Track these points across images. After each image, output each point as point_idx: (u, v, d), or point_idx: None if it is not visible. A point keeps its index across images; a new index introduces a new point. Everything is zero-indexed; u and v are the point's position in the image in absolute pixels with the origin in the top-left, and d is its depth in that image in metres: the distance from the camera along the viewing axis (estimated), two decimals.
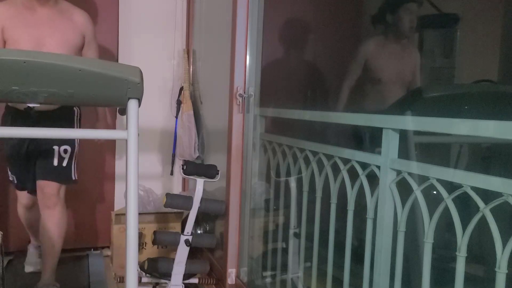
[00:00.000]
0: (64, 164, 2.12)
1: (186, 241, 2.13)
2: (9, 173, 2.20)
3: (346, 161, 1.61)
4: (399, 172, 1.37)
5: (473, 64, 2.49)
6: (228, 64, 2.23)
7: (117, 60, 2.84)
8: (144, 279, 2.20)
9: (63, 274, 2.30)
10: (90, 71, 1.20)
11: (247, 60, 2.20)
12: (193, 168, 2.20)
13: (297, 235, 1.99)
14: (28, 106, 2.01)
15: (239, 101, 2.19)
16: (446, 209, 1.18)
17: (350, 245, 1.60)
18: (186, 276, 2.17)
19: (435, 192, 1.22)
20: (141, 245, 2.51)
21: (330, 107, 2.62)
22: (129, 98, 1.29)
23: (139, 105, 1.31)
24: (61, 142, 2.11)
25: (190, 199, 2.13)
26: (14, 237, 2.63)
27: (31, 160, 2.12)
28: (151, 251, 2.50)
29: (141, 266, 2.15)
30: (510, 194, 1.01)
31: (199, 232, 2.71)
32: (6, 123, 2.11)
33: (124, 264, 1.34)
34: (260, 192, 2.27)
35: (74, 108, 2.20)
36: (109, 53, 2.78)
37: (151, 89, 2.67)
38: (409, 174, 1.32)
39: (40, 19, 2.01)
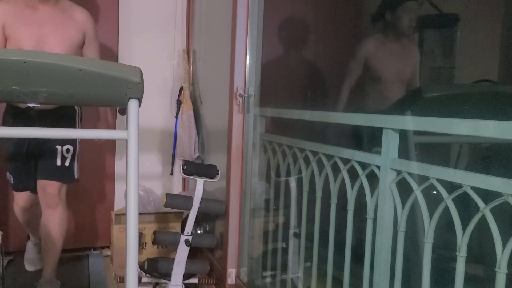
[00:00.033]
0: (67, 163, 2.13)
1: (186, 241, 2.13)
2: (7, 172, 2.17)
3: (346, 161, 1.61)
4: (399, 172, 1.37)
5: (473, 64, 2.49)
6: (228, 64, 2.23)
7: (117, 60, 2.84)
8: (144, 279, 2.20)
9: (63, 274, 2.30)
10: (90, 71, 1.20)
11: (247, 60, 2.20)
12: (193, 168, 2.20)
13: (297, 235, 1.99)
14: (28, 106, 2.01)
15: (239, 101, 2.19)
16: (446, 209, 1.18)
17: (350, 245, 1.60)
18: (186, 276, 2.17)
19: (435, 192, 1.22)
20: (141, 245, 2.51)
21: (331, 107, 2.62)
22: (129, 98, 1.29)
23: (139, 105, 1.31)
24: (63, 141, 2.12)
25: (190, 199, 2.13)
26: (14, 237, 2.63)
27: (32, 160, 2.12)
28: (151, 251, 2.50)
29: (141, 266, 2.15)
30: (510, 194, 1.01)
31: (199, 232, 2.71)
32: (7, 121, 2.11)
33: (124, 264, 1.34)
34: (260, 192, 2.27)
35: (76, 107, 2.20)
36: (109, 53, 2.78)
37: (151, 89, 2.67)
38: (409, 174, 1.32)
39: (41, 17, 2.02)
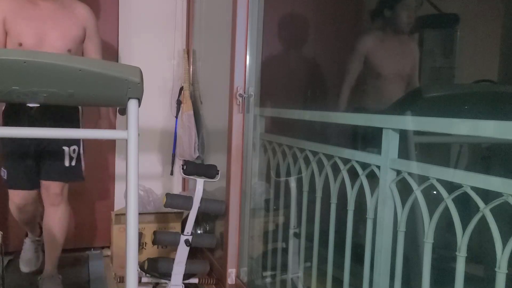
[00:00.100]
0: (74, 163, 2.16)
1: (186, 241, 2.13)
2: (1, 167, 2.13)
3: (346, 161, 1.61)
4: (399, 172, 1.37)
5: (473, 64, 2.49)
6: (228, 64, 2.23)
7: (117, 60, 2.84)
8: (144, 279, 2.20)
9: (63, 274, 2.30)
10: (90, 71, 1.20)
11: (247, 60, 2.20)
12: (193, 168, 2.20)
13: (297, 235, 1.99)
14: (28, 106, 2.01)
15: (239, 101, 2.19)
16: (446, 209, 1.18)
17: (350, 245, 1.60)
18: (186, 276, 2.17)
19: (435, 192, 1.22)
20: (141, 245, 2.51)
21: (331, 106, 2.62)
22: (129, 98, 1.29)
23: (139, 105, 1.32)
24: (69, 142, 2.14)
25: (190, 199, 2.13)
26: (14, 237, 2.63)
27: (33, 159, 2.10)
28: (151, 251, 2.50)
29: (141, 266, 2.15)
30: (510, 194, 1.01)
31: (199, 232, 2.71)
32: (7, 121, 2.11)
33: (124, 264, 1.34)
34: (260, 192, 2.27)
35: (79, 106, 2.20)
36: (109, 53, 2.78)
37: (151, 89, 2.67)
38: (409, 174, 1.32)
39: (42, 13, 2.02)
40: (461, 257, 1.15)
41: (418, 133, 1.55)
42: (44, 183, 2.14)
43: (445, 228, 1.27)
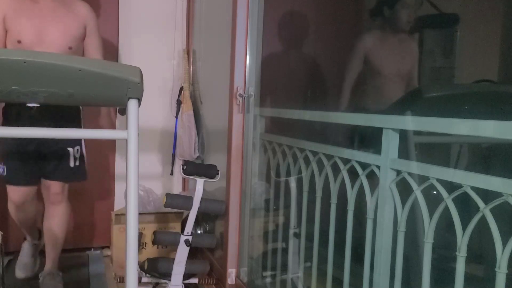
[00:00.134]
0: (78, 163, 2.19)
1: (186, 241, 2.13)
2: (2, 164, 2.10)
3: (346, 161, 1.61)
4: (399, 172, 1.37)
5: (473, 64, 2.49)
6: (228, 64, 2.23)
7: (117, 60, 2.84)
8: (144, 279, 2.20)
9: (63, 274, 2.30)
10: (90, 71, 1.20)
11: (247, 60, 2.20)
12: (193, 168, 2.20)
13: (297, 235, 1.99)
14: (28, 106, 2.01)
15: (239, 101, 2.19)
16: (446, 209, 1.18)
17: (350, 245, 1.60)
18: (186, 276, 2.17)
19: (435, 192, 1.22)
20: (141, 245, 2.51)
21: (332, 106, 2.62)
22: (129, 98, 1.29)
23: (139, 105, 1.31)
24: (73, 143, 2.15)
25: (190, 199, 2.13)
26: (14, 237, 2.63)
27: (35, 156, 2.10)
28: (151, 251, 2.50)
29: (141, 266, 2.15)
30: (510, 194, 1.01)
31: (199, 232, 2.71)
32: (8, 118, 2.10)
33: (124, 264, 1.34)
34: (260, 192, 2.27)
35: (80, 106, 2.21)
36: (109, 53, 2.78)
37: (151, 89, 2.67)
38: (409, 174, 1.32)
39: (42, 10, 2.03)
40: (461, 257, 1.15)
41: (418, 133, 1.55)
42: (45, 182, 2.14)
43: (445, 228, 1.27)
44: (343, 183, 1.62)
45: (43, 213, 2.27)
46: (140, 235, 2.48)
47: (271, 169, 2.16)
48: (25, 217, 2.24)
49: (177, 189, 3.08)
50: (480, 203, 1.09)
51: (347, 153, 1.59)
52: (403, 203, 1.35)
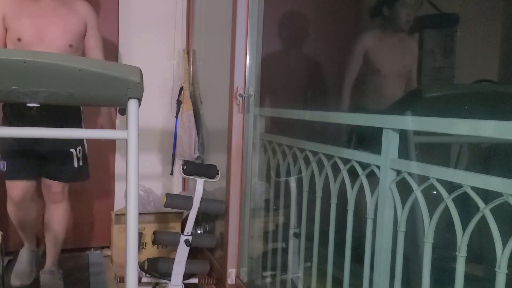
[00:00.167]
0: (81, 164, 2.21)
1: (186, 241, 2.13)
2: (1, 160, 2.08)
3: (346, 161, 1.61)
4: (399, 172, 1.37)
5: (473, 64, 2.49)
6: (228, 64, 2.23)
7: (117, 60, 2.84)
8: (144, 279, 2.19)
9: (63, 274, 2.30)
10: (90, 71, 1.20)
11: (247, 60, 2.20)
12: (193, 168, 2.20)
13: (297, 235, 1.99)
14: (28, 106, 2.01)
15: (239, 101, 2.19)
16: (446, 209, 1.18)
17: (350, 245, 1.60)
18: (186, 276, 2.17)
19: (435, 192, 1.22)
20: (141, 245, 2.51)
21: (331, 105, 2.62)
22: (129, 98, 1.29)
23: (139, 105, 1.31)
24: (75, 144, 2.17)
25: (190, 199, 2.13)
26: (14, 237, 2.62)
27: (35, 154, 2.09)
28: (151, 251, 2.50)
29: (141, 266, 2.15)
30: (510, 194, 1.01)
31: (199, 232, 2.71)
32: (8, 118, 2.10)
33: (124, 264, 1.34)
34: (260, 192, 2.27)
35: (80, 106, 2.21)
36: (109, 53, 2.78)
37: (151, 89, 2.67)
38: (409, 174, 1.32)
39: (42, 9, 2.03)
40: (461, 257, 1.15)
41: (418, 133, 1.55)
42: (46, 182, 2.16)
43: (445, 228, 1.27)
44: (343, 183, 1.62)
45: (43, 220, 2.28)
46: (140, 235, 2.48)
47: (271, 169, 2.16)
48: (25, 217, 2.22)
49: (177, 189, 3.08)
50: (480, 203, 1.09)
51: (347, 153, 1.59)
52: (403, 203, 1.35)
